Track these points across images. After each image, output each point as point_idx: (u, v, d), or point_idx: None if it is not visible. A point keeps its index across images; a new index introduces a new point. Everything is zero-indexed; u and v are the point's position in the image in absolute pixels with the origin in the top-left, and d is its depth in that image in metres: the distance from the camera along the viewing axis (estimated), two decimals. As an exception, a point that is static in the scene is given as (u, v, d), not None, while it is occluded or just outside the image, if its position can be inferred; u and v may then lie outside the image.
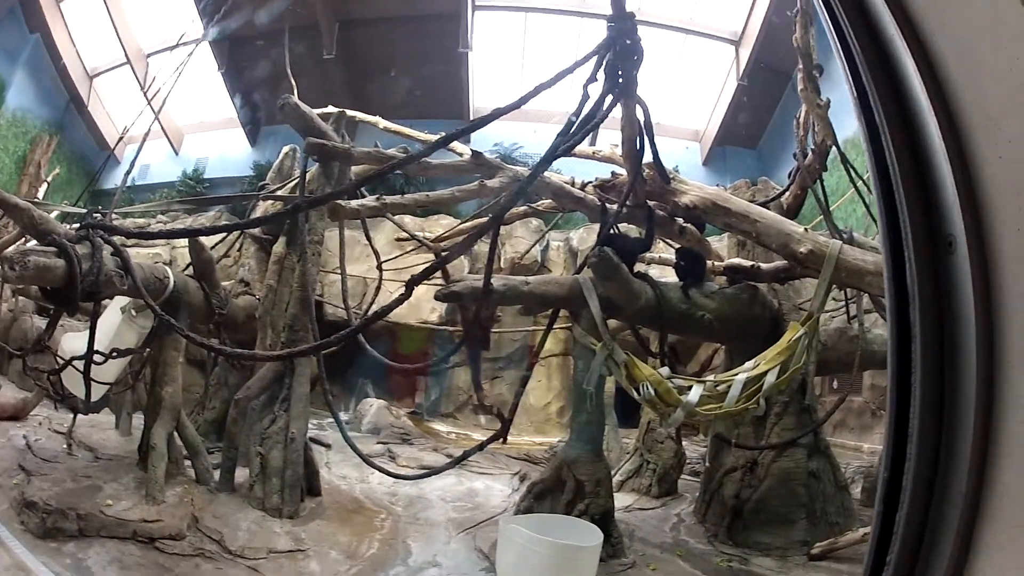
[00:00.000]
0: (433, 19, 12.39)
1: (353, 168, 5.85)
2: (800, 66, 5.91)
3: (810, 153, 6.29)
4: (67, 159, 15.11)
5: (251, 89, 13.97)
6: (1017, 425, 1.11)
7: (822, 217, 6.25)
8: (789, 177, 6.67)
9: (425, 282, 3.44)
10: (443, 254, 3.59)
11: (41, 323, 10.18)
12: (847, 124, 6.48)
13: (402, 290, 3.38)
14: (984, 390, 1.15)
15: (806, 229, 5.29)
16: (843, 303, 6.81)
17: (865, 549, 4.32)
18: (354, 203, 5.09)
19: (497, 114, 3.71)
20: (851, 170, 6.63)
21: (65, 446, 6.80)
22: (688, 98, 13.50)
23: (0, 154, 14.20)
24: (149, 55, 14.39)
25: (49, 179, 14.23)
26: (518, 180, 5.16)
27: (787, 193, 6.65)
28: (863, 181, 7.35)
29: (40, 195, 13.43)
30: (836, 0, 1.51)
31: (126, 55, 14.37)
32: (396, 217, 7.92)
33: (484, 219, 7.31)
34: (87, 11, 14.22)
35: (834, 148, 6.13)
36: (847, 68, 1.50)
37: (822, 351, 6.17)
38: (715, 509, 6.04)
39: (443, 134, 7.59)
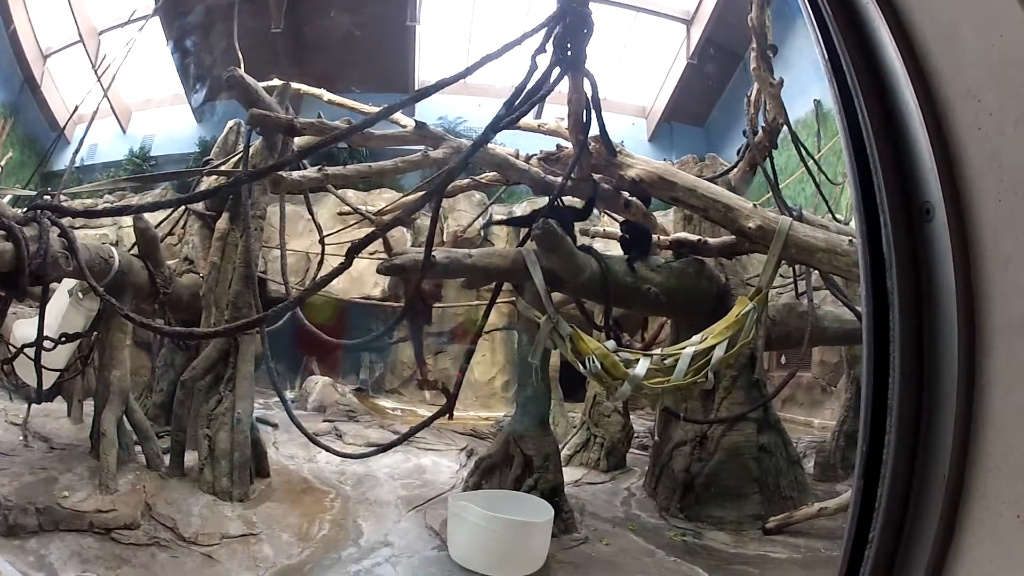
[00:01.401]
0: None
1: (296, 141, 5.78)
2: (754, 45, 5.94)
3: (760, 131, 6.32)
4: (20, 142, 14.76)
5: (198, 63, 13.76)
6: (1001, 396, 1.10)
7: (771, 195, 6.32)
8: (738, 154, 6.71)
9: (368, 256, 3.42)
10: (384, 224, 3.55)
11: (-9, 312, 10.01)
12: (798, 105, 6.58)
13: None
14: (966, 359, 1.14)
15: (755, 205, 5.35)
16: (791, 279, 6.88)
17: (823, 524, 4.40)
18: (296, 174, 5.03)
19: (442, 84, 3.68)
20: (802, 149, 6.71)
21: (21, 438, 6.64)
22: (636, 75, 13.51)
23: (-48, 140, 13.88)
24: (102, 32, 14.07)
25: (2, 163, 13.95)
26: (461, 151, 5.14)
27: (735, 170, 6.69)
28: (814, 161, 7.45)
29: (-7, 180, 13.20)
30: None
31: (79, 33, 14.04)
32: (339, 191, 7.91)
33: (425, 192, 7.30)
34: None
35: (785, 128, 6.19)
36: (819, 36, 1.48)
37: (771, 326, 6.22)
38: (665, 483, 6.08)
39: (386, 106, 7.62)
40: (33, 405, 6.88)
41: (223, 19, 10.06)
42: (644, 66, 13.43)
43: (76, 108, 8.72)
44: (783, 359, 9.80)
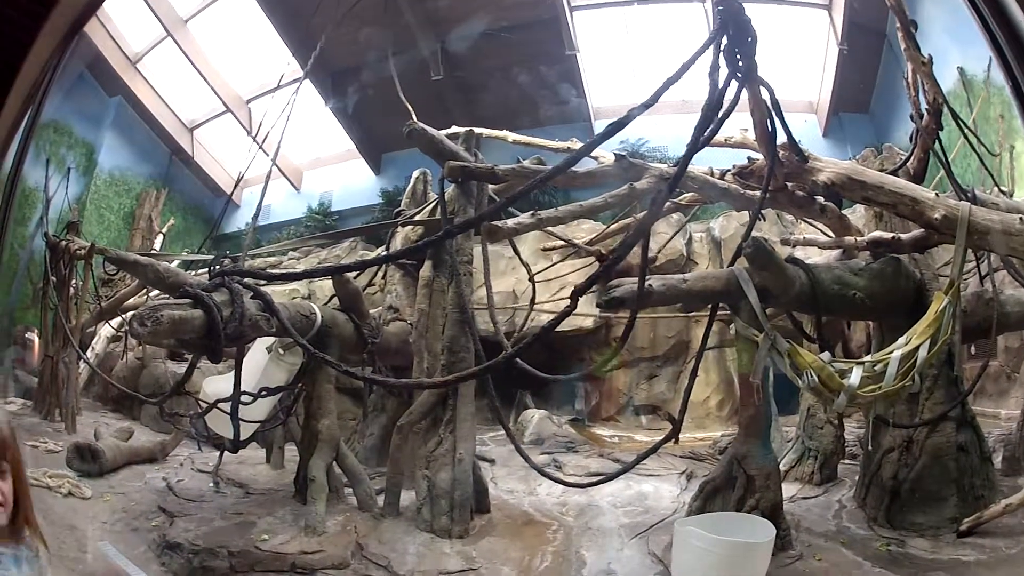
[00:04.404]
0: (532, 26, 12.37)
1: (490, 184, 5.89)
2: (897, 24, 5.77)
3: (925, 114, 6.12)
4: (180, 209, 15.70)
5: (365, 120, 14.17)
6: None
7: (941, 176, 6.10)
8: (911, 140, 6.49)
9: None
10: (605, 261, 3.55)
11: (175, 368, 10.57)
12: (944, 76, 6.34)
13: (556, 299, 3.38)
14: None
15: (937, 194, 5.20)
16: (974, 264, 6.61)
17: (1005, 521, 4.20)
18: (511, 222, 5.13)
19: (634, 114, 3.66)
20: (962, 124, 6.47)
21: (212, 484, 6.98)
22: (794, 71, 13.19)
23: (104, 212, 14.79)
24: (249, 101, 14.81)
25: (164, 230, 14.82)
26: (664, 179, 5.13)
27: (912, 158, 6.48)
28: (972, 133, 7.15)
29: (156, 246, 14.02)
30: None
31: (224, 104, 14.80)
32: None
33: (630, 220, 7.30)
34: (169, 68, 14.68)
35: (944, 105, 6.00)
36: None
37: (963, 318, 5.99)
38: (874, 492, 5.88)
39: (574, 140, 7.69)
40: (226, 453, 7.15)
41: (380, 75, 10.37)
42: (798, 60, 13.11)
43: (242, 176, 9.15)
44: (972, 350, 9.37)
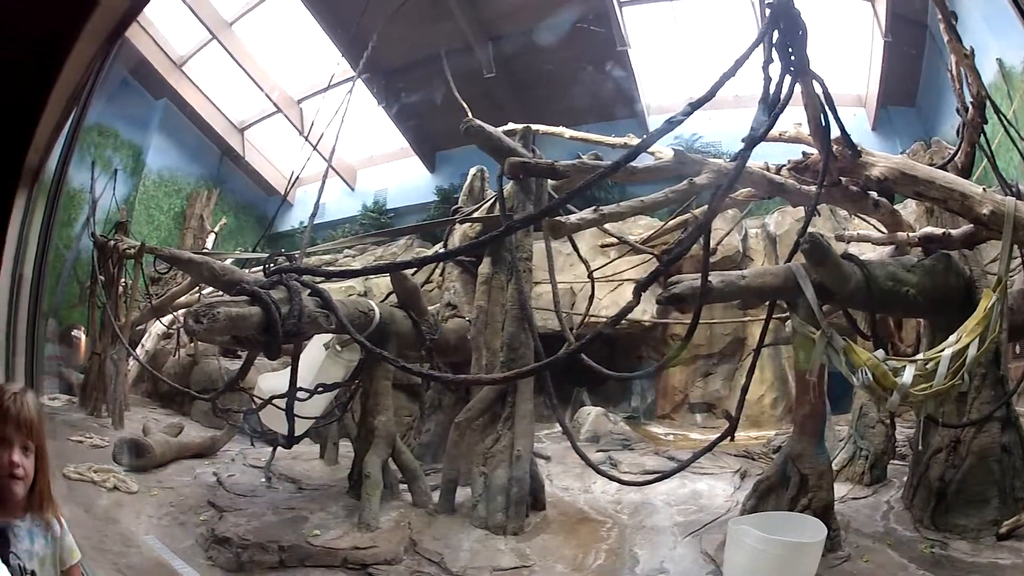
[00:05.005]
0: (584, 22, 12.20)
1: (550, 181, 5.93)
2: (940, 16, 5.75)
3: (970, 107, 6.06)
4: (232, 208, 16.04)
5: (418, 117, 14.28)
6: None
7: (984, 169, 6.05)
8: (957, 134, 6.44)
9: (631, 281, 3.46)
10: (664, 257, 3.58)
11: (227, 364, 10.74)
12: (984, 68, 6.26)
13: (613, 295, 3.41)
14: None
15: (984, 189, 5.21)
16: (1020, 261, 6.53)
17: None
18: (573, 218, 5.14)
19: (692, 108, 3.69)
20: (1003, 117, 6.40)
21: (264, 479, 7.05)
22: (841, 63, 13.02)
23: (154, 212, 15.13)
24: (300, 100, 15.06)
25: (216, 229, 15.11)
26: (724, 174, 5.14)
27: (959, 152, 6.43)
28: (1013, 127, 7.06)
29: (208, 245, 14.29)
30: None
31: (275, 105, 15.06)
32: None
33: (687, 216, 7.30)
34: (216, 70, 15.01)
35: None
36: None
37: (1010, 316, 5.91)
38: (921, 494, 5.81)
39: (631, 136, 7.71)
40: (279, 449, 7.20)
41: (433, 72, 10.46)
42: (845, 52, 12.95)
43: (296, 176, 9.30)
44: (1018, 348, 9.21)
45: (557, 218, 4.88)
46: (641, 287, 3.45)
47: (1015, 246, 5.03)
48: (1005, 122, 6.41)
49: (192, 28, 14.20)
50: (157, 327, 11.80)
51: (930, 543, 5.27)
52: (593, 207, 5.23)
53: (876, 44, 12.55)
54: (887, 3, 11.80)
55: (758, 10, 4.15)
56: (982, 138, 6.03)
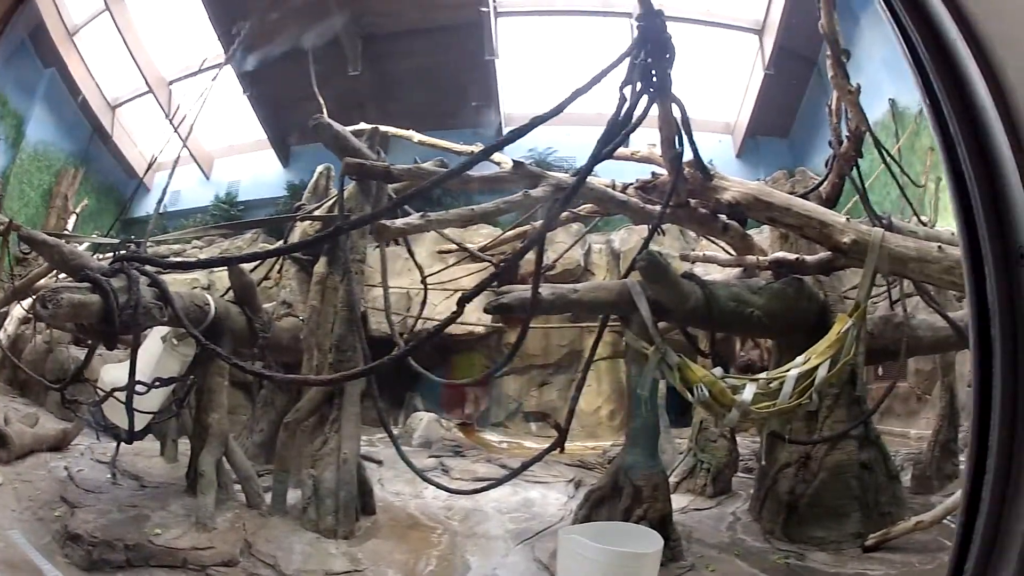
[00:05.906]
0: (457, 29, 12.33)
1: (391, 186, 5.82)
2: (828, 52, 5.87)
3: (845, 141, 6.23)
4: (95, 190, 15.17)
5: (278, 110, 13.98)
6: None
7: (856, 201, 6.22)
8: (826, 166, 6.61)
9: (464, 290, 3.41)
10: (495, 269, 3.52)
11: (78, 354, 10.20)
12: (874, 106, 6.50)
13: (448, 302, 3.34)
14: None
15: (848, 219, 5.31)
16: (885, 289, 6.77)
17: (918, 537, 4.37)
18: (399, 222, 5.05)
19: (536, 123, 3.66)
20: (885, 153, 6.62)
21: (109, 475, 6.85)
22: (715, 91, 13.37)
23: (25, 188, 14.24)
24: (171, 82, 14.45)
25: (78, 211, 14.33)
26: (562, 188, 5.12)
27: (825, 182, 6.60)
28: (897, 164, 7.33)
29: (69, 227, 13.55)
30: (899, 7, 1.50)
31: (147, 84, 14.41)
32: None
33: (526, 227, 7.28)
34: (102, 43, 14.22)
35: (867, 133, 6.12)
36: (918, 78, 1.49)
37: (869, 340, 6.12)
38: (770, 506, 5.97)
39: (479, 144, 7.63)
40: (122, 444, 6.93)
41: (299, 65, 10.20)
42: (722, 81, 13.31)
43: (155, 159, 8.91)
44: (880, 371, 9.60)
45: (384, 221, 4.76)
46: (466, 298, 3.37)
47: (880, 275, 5.17)
48: (887, 157, 6.59)
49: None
50: (18, 311, 11.11)
51: (784, 554, 5.38)
52: (420, 213, 5.15)
53: (756, 75, 12.97)
54: (776, 37, 12.16)
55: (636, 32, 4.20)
56: (855, 172, 6.16)
